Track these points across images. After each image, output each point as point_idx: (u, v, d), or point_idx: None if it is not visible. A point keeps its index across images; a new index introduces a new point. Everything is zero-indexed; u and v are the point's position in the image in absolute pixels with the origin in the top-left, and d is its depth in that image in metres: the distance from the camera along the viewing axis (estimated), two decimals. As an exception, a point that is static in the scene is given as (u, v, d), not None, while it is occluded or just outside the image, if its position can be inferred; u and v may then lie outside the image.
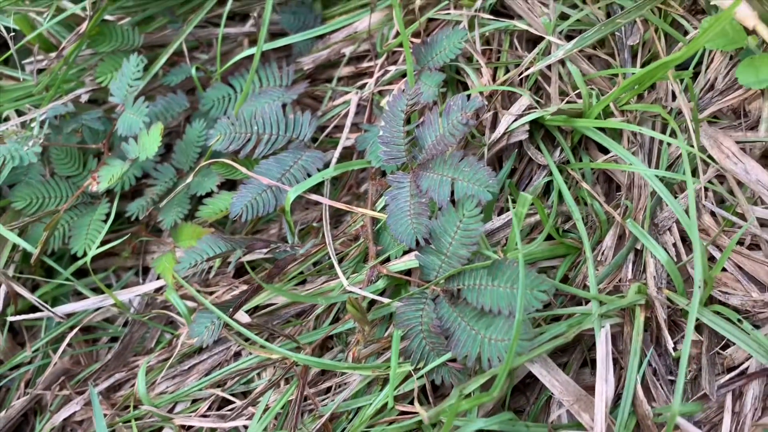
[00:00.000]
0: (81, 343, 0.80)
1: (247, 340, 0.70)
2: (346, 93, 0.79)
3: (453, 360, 0.59)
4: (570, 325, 0.59)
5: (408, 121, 0.65)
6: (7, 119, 0.82)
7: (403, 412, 0.61)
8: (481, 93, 0.66)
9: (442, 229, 0.60)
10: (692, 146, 0.61)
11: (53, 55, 0.81)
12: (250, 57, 0.83)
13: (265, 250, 0.70)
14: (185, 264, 0.64)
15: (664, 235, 0.65)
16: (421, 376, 0.60)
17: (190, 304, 0.71)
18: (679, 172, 0.64)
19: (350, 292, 0.60)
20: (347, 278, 0.64)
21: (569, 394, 0.58)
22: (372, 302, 0.66)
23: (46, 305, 0.69)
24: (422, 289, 0.60)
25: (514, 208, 0.66)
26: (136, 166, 0.76)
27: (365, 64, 0.81)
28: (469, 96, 0.62)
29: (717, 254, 0.62)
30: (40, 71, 0.82)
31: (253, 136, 0.70)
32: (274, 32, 0.85)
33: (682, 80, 0.67)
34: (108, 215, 0.75)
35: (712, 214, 0.64)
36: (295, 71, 0.81)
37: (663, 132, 0.67)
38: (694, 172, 0.63)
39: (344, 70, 0.82)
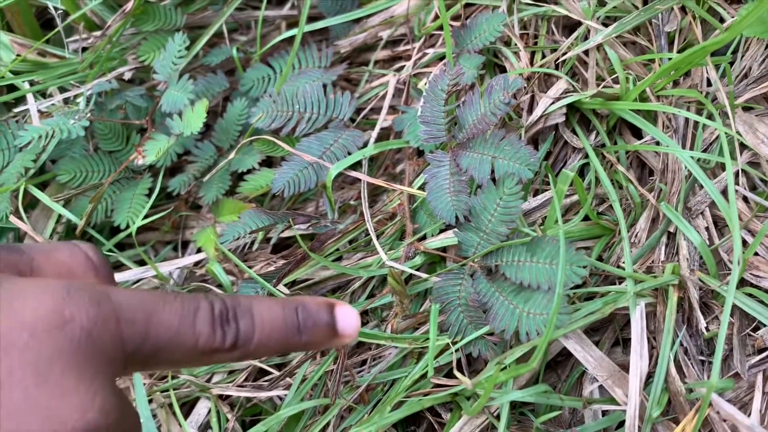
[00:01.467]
0: (119, 315, 0.83)
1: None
2: (383, 75, 0.81)
3: (490, 334, 0.60)
4: (605, 302, 0.60)
5: (446, 103, 0.66)
6: (50, 96, 0.84)
7: (437, 385, 0.63)
8: (520, 75, 0.68)
9: (481, 206, 0.61)
10: (729, 129, 0.62)
11: (98, 33, 0.83)
12: (288, 39, 0.84)
13: (303, 227, 0.72)
14: (228, 237, 0.66)
15: (696, 219, 0.66)
16: (457, 350, 0.62)
17: (230, 278, 0.73)
18: (714, 157, 0.65)
19: (391, 266, 0.62)
20: (384, 255, 0.66)
21: (603, 369, 0.60)
22: (408, 279, 0.68)
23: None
24: (460, 264, 0.62)
25: (549, 189, 0.68)
26: (178, 143, 0.78)
27: (402, 48, 0.83)
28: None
29: (749, 239, 0.63)
30: (84, 50, 0.84)
31: (294, 115, 0.72)
32: (311, 15, 0.86)
33: (717, 67, 0.68)
34: (151, 190, 0.77)
35: (745, 199, 0.65)
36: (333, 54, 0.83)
37: (696, 121, 0.68)
38: (730, 157, 0.64)
39: (381, 54, 0.84)
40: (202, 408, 0.73)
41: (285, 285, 0.71)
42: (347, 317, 0.40)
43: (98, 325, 0.31)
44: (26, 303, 0.30)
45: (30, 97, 0.80)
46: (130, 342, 0.32)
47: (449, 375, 0.64)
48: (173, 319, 0.34)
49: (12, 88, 0.84)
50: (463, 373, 0.63)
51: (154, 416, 0.73)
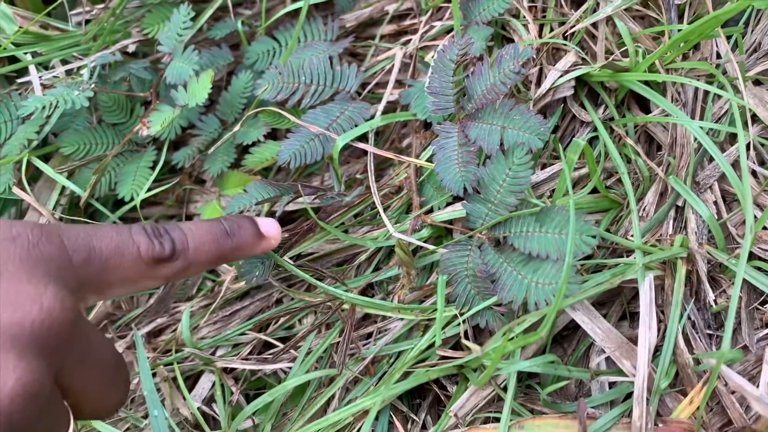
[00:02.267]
0: (122, 289, 0.82)
1: (290, 286, 0.71)
2: (389, 49, 0.80)
3: (498, 305, 0.60)
4: (614, 274, 0.60)
5: (455, 74, 0.66)
6: (53, 68, 0.83)
7: (443, 357, 0.63)
8: (529, 45, 0.67)
9: (490, 177, 0.61)
10: (741, 99, 0.62)
11: (101, 6, 0.83)
12: (292, 13, 0.84)
13: (309, 199, 0.72)
14: (234, 208, 0.65)
15: (705, 193, 0.65)
16: (464, 321, 0.61)
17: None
18: (723, 130, 0.65)
19: (399, 238, 0.62)
20: (392, 226, 0.66)
21: (611, 341, 0.59)
22: (414, 252, 0.67)
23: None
24: (468, 236, 0.62)
25: (557, 163, 0.68)
26: (182, 115, 0.77)
27: (408, 22, 0.82)
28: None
29: (758, 213, 0.63)
30: (87, 22, 0.84)
31: (300, 87, 0.71)
32: (317, -11, 0.86)
33: (728, 39, 0.67)
34: (155, 163, 0.77)
35: (754, 174, 0.65)
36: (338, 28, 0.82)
37: (705, 94, 0.68)
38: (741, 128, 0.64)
39: (387, 28, 0.83)
40: (206, 381, 0.73)
41: (290, 258, 0.71)
42: (267, 222, 0.47)
43: (43, 238, 0.35)
44: None
45: (32, 68, 0.79)
46: (76, 253, 0.36)
47: (455, 347, 0.64)
48: (112, 234, 0.38)
49: (14, 60, 0.83)
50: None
51: (158, 390, 0.73)
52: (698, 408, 0.55)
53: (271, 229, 0.47)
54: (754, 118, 0.65)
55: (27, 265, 0.33)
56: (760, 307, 0.61)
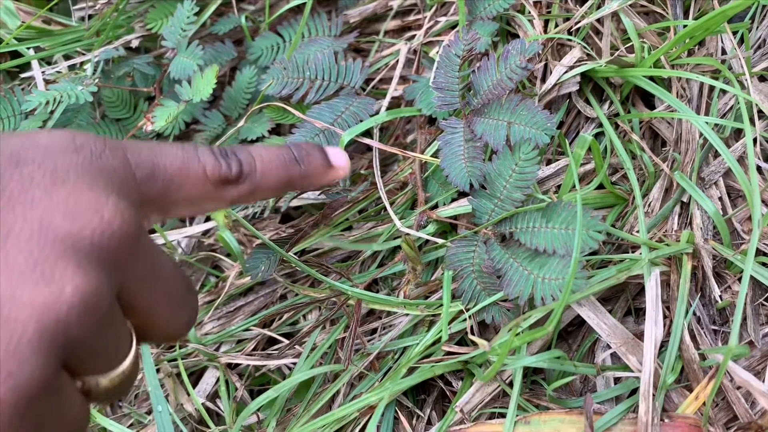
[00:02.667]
0: (125, 285, 0.82)
1: (294, 282, 0.71)
2: (393, 45, 0.80)
3: (504, 300, 0.60)
4: (620, 269, 0.60)
5: (460, 69, 0.66)
6: (55, 63, 0.83)
7: (449, 353, 0.63)
8: (536, 40, 0.67)
9: (496, 172, 0.61)
10: (747, 95, 0.62)
11: (104, 1, 0.82)
12: (296, 9, 0.84)
13: (312, 196, 0.71)
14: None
15: (710, 189, 0.65)
16: (470, 317, 0.61)
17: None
18: (729, 125, 0.65)
19: (405, 233, 0.62)
20: (398, 221, 0.65)
21: (617, 337, 0.59)
22: (419, 247, 0.67)
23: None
24: (474, 231, 0.62)
25: (562, 159, 0.67)
26: (186, 111, 0.77)
27: (412, 18, 0.82)
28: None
29: (764, 209, 0.63)
30: (90, 17, 0.83)
31: (305, 82, 0.71)
32: (320, -15, 0.85)
33: (734, 35, 0.67)
34: (158, 158, 0.77)
35: (759, 170, 0.65)
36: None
37: (711, 90, 0.68)
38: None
39: (391, 24, 0.83)
40: (210, 377, 0.73)
41: (295, 254, 0.71)
42: (336, 152, 0.45)
43: (106, 151, 0.34)
44: (39, 134, 0.33)
45: (35, 63, 0.79)
46: (139, 169, 0.35)
47: (460, 343, 0.64)
48: (177, 151, 0.37)
49: (16, 55, 0.83)
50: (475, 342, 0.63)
51: (162, 386, 0.73)
52: (704, 403, 0.55)
53: (340, 159, 0.45)
54: (760, 113, 0.65)
55: (89, 175, 0.32)
56: (766, 303, 0.62)
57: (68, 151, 0.32)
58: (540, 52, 0.67)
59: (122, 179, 0.34)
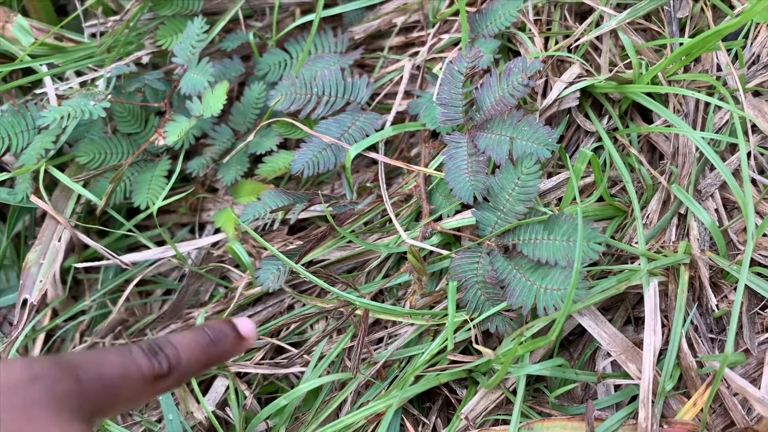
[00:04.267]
0: (135, 296, 0.84)
1: (301, 292, 0.73)
2: (398, 61, 0.82)
3: (507, 310, 0.62)
4: (619, 280, 0.61)
5: (464, 85, 0.68)
6: (67, 79, 0.85)
7: (453, 362, 0.64)
8: (536, 58, 0.69)
9: (499, 186, 0.63)
10: (741, 110, 0.64)
11: (115, 18, 0.85)
12: (302, 26, 0.86)
13: (319, 208, 0.73)
14: (248, 216, 0.67)
15: (706, 201, 0.67)
16: (474, 326, 0.63)
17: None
18: (724, 140, 0.67)
19: (411, 244, 0.63)
20: (404, 232, 0.67)
21: (617, 345, 0.61)
22: (424, 258, 0.69)
23: (113, 254, 0.72)
24: (477, 242, 0.63)
25: (563, 172, 0.69)
26: (196, 126, 0.79)
27: (416, 34, 0.84)
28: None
29: (758, 220, 0.65)
30: (101, 34, 0.85)
31: (312, 98, 0.73)
32: (326, 2, 0.87)
33: (728, 53, 0.69)
34: (170, 172, 0.79)
35: (753, 182, 0.67)
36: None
37: (706, 105, 0.70)
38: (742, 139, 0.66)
39: (395, 40, 0.85)
40: (219, 386, 0.74)
41: (302, 265, 0.73)
42: (244, 323, 0.49)
43: (61, 377, 0.38)
44: None
45: (48, 80, 0.81)
46: (90, 383, 0.39)
47: (464, 352, 0.65)
48: (116, 359, 0.41)
49: (29, 71, 0.85)
50: (477, 350, 0.65)
51: (173, 394, 0.74)
52: (702, 410, 0.57)
53: (248, 330, 0.49)
54: (754, 128, 0.67)
55: (52, 407, 0.36)
56: (761, 312, 0.63)
57: (28, 384, 0.36)
58: (541, 69, 0.69)
59: (79, 401, 0.38)
